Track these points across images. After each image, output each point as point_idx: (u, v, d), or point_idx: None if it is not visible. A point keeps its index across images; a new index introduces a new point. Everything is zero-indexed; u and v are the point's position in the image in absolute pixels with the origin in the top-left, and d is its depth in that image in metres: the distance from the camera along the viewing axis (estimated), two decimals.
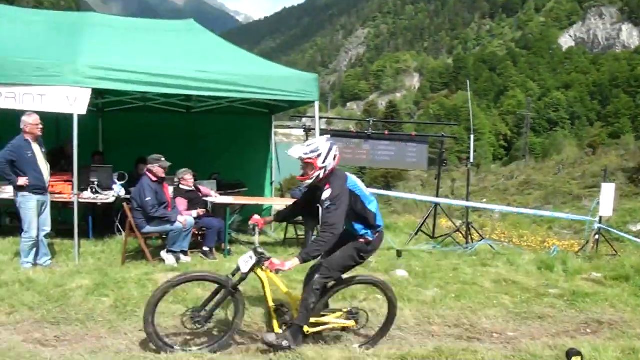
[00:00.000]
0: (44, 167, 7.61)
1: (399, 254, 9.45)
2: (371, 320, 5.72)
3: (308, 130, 12.89)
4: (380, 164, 13.80)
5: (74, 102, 7.97)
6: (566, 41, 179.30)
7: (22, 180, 7.30)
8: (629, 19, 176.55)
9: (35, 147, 7.50)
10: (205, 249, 8.79)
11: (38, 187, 7.48)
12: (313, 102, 9.45)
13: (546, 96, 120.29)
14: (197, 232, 9.13)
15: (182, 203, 8.92)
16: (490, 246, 11.30)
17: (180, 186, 9.12)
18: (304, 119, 15.44)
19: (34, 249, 7.57)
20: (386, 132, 13.38)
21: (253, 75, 8.93)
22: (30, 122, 7.42)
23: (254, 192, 11.86)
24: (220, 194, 9.80)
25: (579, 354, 4.36)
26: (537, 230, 18.03)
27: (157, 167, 8.32)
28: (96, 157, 10.77)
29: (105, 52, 8.74)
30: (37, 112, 7.60)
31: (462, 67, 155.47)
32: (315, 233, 10.02)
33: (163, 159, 8.41)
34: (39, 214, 7.55)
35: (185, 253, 8.49)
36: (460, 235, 12.01)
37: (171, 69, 8.50)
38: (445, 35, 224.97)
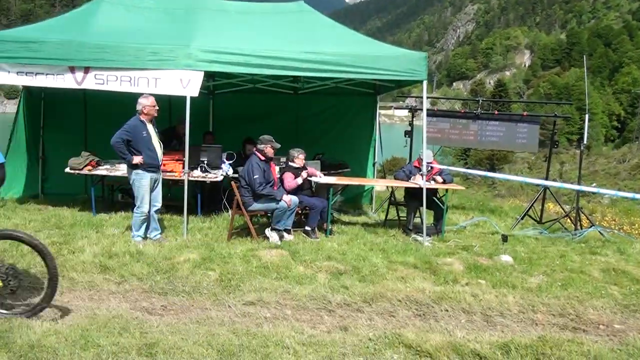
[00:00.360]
0: (158, 146, 7.97)
1: (504, 238, 9.19)
2: None
3: (414, 111, 12.73)
4: (488, 145, 13.31)
5: (187, 84, 8.27)
6: None
7: (137, 159, 7.68)
8: None
9: (150, 127, 7.87)
10: (308, 228, 8.94)
11: (151, 165, 7.85)
12: (420, 81, 9.27)
13: None
14: (300, 212, 9.32)
15: (290, 177, 9.11)
16: (600, 233, 10.74)
17: (291, 163, 9.29)
18: (407, 99, 15.25)
19: (145, 224, 7.98)
20: (496, 112, 12.95)
21: (361, 55, 8.84)
22: (148, 104, 7.79)
23: (356, 172, 11.91)
24: (324, 174, 9.90)
25: None
26: None
27: (268, 147, 8.54)
28: (207, 137, 11.16)
29: (216, 35, 8.98)
30: (151, 95, 7.99)
31: (576, 43, 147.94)
32: (417, 215, 9.95)
33: (274, 140, 8.63)
34: (151, 190, 7.94)
35: (288, 231, 8.68)
36: (569, 220, 11.50)
37: (280, 51, 8.59)
38: (558, 9, 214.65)
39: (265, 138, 8.60)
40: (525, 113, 12.76)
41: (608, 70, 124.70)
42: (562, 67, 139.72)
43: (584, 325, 5.98)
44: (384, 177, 12.91)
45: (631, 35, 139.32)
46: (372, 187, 12.60)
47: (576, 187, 11.64)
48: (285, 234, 8.58)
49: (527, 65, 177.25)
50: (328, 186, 9.38)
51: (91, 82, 8.37)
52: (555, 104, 30.80)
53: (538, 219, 11.81)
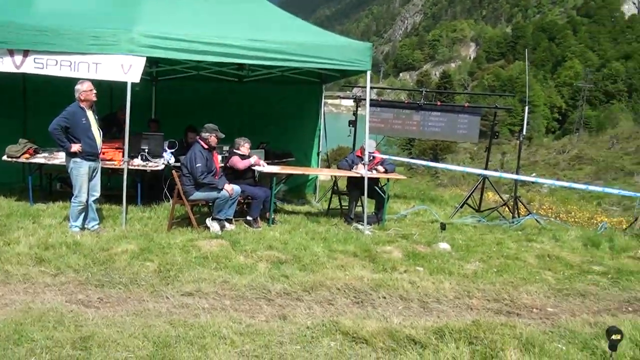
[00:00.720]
0: (97, 134, 7.80)
1: (443, 226, 9.40)
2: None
3: (358, 101, 12.82)
4: (430, 135, 13.57)
5: (128, 70, 8.09)
6: (629, 8, 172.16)
7: (75, 147, 7.51)
8: None
9: (89, 114, 7.69)
10: (249, 218, 8.94)
11: (90, 154, 7.69)
12: (365, 71, 9.34)
13: (605, 67, 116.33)
14: (242, 201, 9.29)
15: (238, 160, 9.12)
16: (537, 221, 11.13)
17: (236, 151, 9.26)
18: (354, 89, 15.35)
19: (83, 214, 7.82)
20: (439, 103, 13.17)
21: (306, 44, 8.81)
22: (84, 89, 7.61)
23: (300, 161, 11.96)
24: (268, 163, 9.89)
25: (619, 332, 4.27)
26: (585, 206, 17.67)
27: (212, 137, 8.47)
28: (152, 124, 10.99)
29: (160, 20, 8.76)
30: (92, 80, 7.79)
31: (520, 36, 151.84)
32: (359, 204, 10.06)
33: (218, 130, 8.56)
34: (90, 179, 7.78)
35: (230, 221, 8.65)
36: (507, 209, 11.83)
37: (225, 38, 8.46)
38: (504, 3, 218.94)
39: (210, 127, 8.53)
40: (466, 104, 13.03)
41: (551, 64, 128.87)
42: (507, 60, 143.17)
43: (517, 309, 6.18)
44: (329, 167, 12.98)
45: (575, 31, 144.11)
46: (316, 177, 12.67)
47: (514, 176, 11.99)
48: (226, 224, 8.55)
49: (472, 57, 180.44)
50: (271, 175, 9.39)
51: (30, 66, 8.09)
52: (498, 96, 31.65)
53: (477, 208, 12.11)
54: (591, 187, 15.13)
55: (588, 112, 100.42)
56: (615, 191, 13.21)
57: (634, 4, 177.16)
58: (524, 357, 4.59)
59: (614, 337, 4.23)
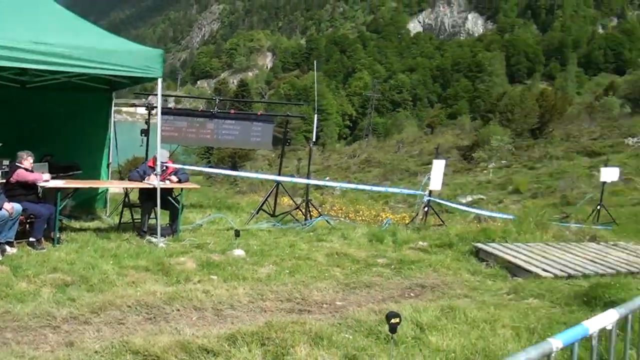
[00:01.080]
0: None
1: (237, 233, 9.52)
2: None
3: (151, 109, 12.49)
4: (224, 143, 13.74)
5: None
6: (415, 27, 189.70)
7: None
8: (475, 8, 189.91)
9: None
10: (32, 239, 8.26)
11: None
12: (157, 78, 9.13)
13: (392, 78, 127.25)
14: (25, 221, 8.57)
15: (27, 173, 8.48)
16: (327, 222, 11.79)
17: (19, 165, 8.54)
18: (149, 97, 15.00)
19: None
20: (232, 111, 13.32)
21: (92, 49, 8.32)
22: None
23: (89, 174, 11.32)
24: (53, 177, 9.26)
25: (397, 315, 4.66)
26: (373, 205, 18.92)
27: None
28: None
29: None
30: None
31: (314, 48, 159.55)
32: (152, 215, 9.82)
33: None
34: None
35: (10, 244, 7.90)
36: (300, 212, 12.35)
37: (4, 40, 7.66)
38: (299, 16, 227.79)
39: None
40: (260, 112, 13.36)
41: (343, 75, 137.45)
42: (302, 70, 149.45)
43: (309, 306, 6.50)
44: (121, 179, 12.48)
45: (364, 45, 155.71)
46: (106, 190, 12.13)
47: (306, 180, 12.57)
48: (7, 247, 7.79)
49: (269, 67, 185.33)
50: (56, 190, 8.83)
51: None
52: (294, 104, 32.90)
53: (272, 213, 12.45)
54: (375, 188, 16.48)
55: (376, 120, 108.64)
56: (397, 190, 14.40)
57: (419, 22, 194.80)
58: (313, 351, 4.81)
59: (393, 320, 4.59)
